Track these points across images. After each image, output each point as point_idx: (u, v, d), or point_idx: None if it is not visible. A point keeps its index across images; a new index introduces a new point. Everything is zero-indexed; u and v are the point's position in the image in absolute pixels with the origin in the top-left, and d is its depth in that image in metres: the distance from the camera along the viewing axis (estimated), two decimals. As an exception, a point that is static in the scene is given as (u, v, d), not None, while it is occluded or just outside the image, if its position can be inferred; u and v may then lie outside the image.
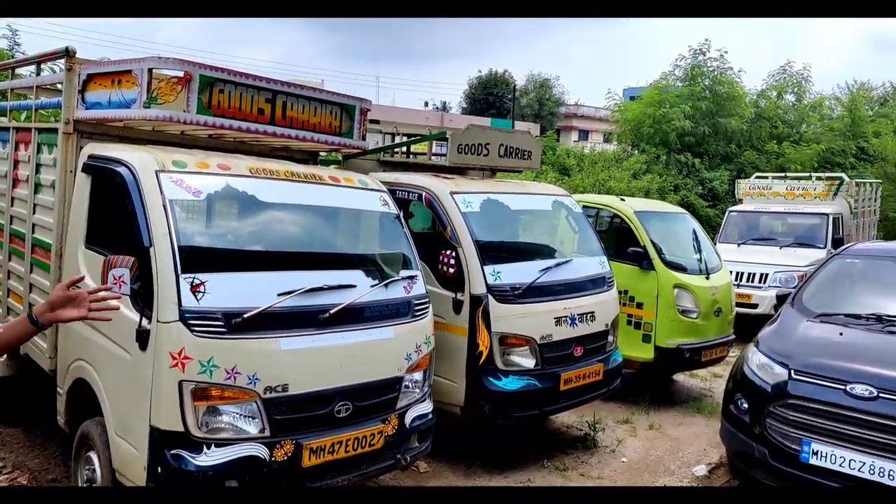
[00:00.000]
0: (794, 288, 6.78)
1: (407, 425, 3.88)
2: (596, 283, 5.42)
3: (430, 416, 4.11)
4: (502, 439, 5.40)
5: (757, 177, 13.28)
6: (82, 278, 2.24)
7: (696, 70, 19.25)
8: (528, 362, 4.81)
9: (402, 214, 4.45)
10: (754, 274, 9.81)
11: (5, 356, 2.51)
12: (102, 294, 2.16)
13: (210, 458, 3.10)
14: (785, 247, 10.46)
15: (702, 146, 18.65)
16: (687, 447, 5.71)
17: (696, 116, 18.20)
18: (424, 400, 4.11)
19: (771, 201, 11.91)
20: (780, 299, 5.80)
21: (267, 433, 3.25)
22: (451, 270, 4.79)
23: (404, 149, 6.23)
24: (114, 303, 2.14)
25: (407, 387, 3.93)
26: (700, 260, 6.89)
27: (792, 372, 4.37)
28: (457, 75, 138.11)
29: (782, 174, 13.56)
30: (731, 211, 11.87)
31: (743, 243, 10.72)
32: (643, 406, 6.47)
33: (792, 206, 11.46)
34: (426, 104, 46.97)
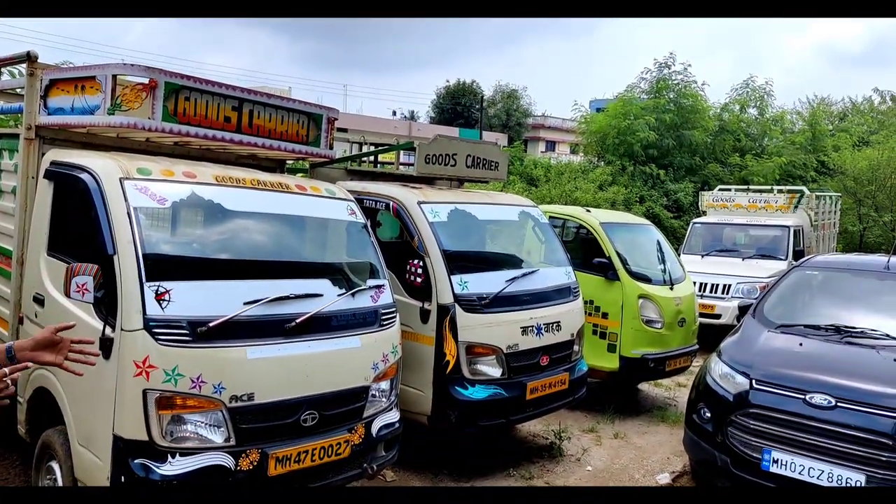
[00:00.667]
0: (755, 299, 6.95)
1: (374, 434, 3.89)
2: (562, 293, 5.50)
3: (397, 425, 4.12)
4: (468, 448, 5.43)
5: (720, 189, 13.61)
6: (73, 326, 2.23)
7: (662, 83, 19.66)
8: (495, 371, 4.86)
9: (369, 224, 4.47)
10: (717, 285, 10.02)
11: None
12: (81, 347, 2.16)
13: (175, 467, 3.08)
14: (747, 258, 10.73)
15: (666, 158, 19.02)
16: (651, 455, 5.81)
17: (661, 129, 18.57)
18: (391, 409, 4.12)
19: (734, 213, 12.21)
20: (743, 310, 5.96)
21: (232, 442, 3.24)
22: (419, 280, 4.82)
23: (372, 158, 6.26)
24: (91, 359, 2.15)
25: (374, 396, 3.95)
26: (664, 271, 7.03)
27: (753, 381, 4.45)
28: (424, 85, 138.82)
29: (745, 187, 13.91)
30: (695, 222, 12.12)
31: (707, 254, 10.96)
32: (608, 415, 6.57)
33: (754, 219, 11.75)
34: (394, 113, 46.99)
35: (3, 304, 4.16)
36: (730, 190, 13.18)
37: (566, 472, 5.29)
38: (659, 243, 7.37)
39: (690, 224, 12.30)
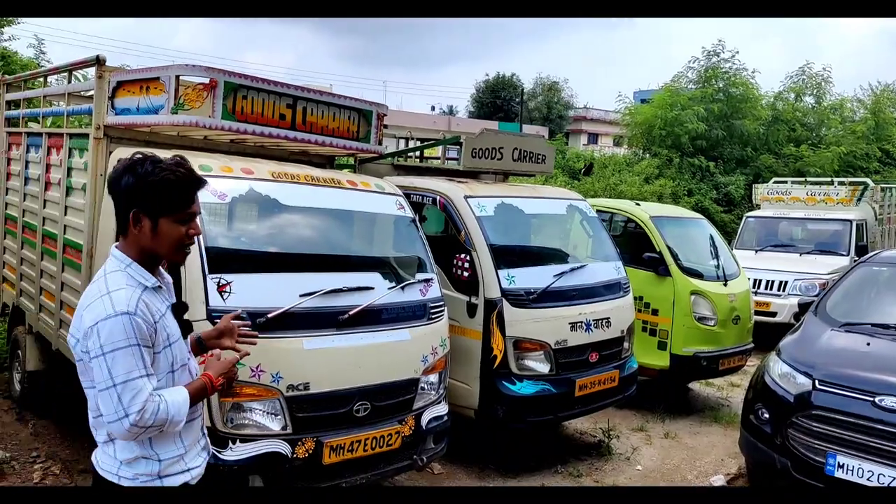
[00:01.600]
0: (816, 296, 6.73)
1: (423, 426, 3.95)
2: (611, 289, 5.45)
3: (446, 418, 4.17)
4: (515, 444, 5.44)
5: (775, 181, 13.20)
6: (244, 315, 2.53)
7: (710, 71, 19.08)
8: (543, 367, 4.86)
9: (417, 218, 4.53)
10: (773, 281, 9.73)
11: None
12: (246, 330, 2.39)
13: (235, 453, 3.20)
14: (805, 254, 10.38)
15: (716, 149, 18.49)
16: (704, 456, 5.69)
17: (710, 119, 18.05)
18: (440, 402, 4.17)
19: (790, 207, 11.81)
20: (803, 308, 5.74)
21: (289, 430, 3.34)
22: (466, 274, 4.85)
23: (417, 153, 6.32)
24: (254, 340, 2.41)
25: (423, 388, 4.00)
26: (717, 266, 6.87)
27: (816, 382, 4.28)
28: (463, 79, 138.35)
29: (802, 179, 13.44)
30: (748, 216, 11.80)
31: (761, 250, 10.65)
32: (658, 414, 6.47)
33: (813, 212, 11.34)
34: (433, 108, 47.12)
35: (74, 294, 4.37)
36: (786, 182, 12.77)
37: (615, 470, 5.25)
38: (712, 237, 7.21)
39: (743, 218, 11.97)
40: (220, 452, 3.19)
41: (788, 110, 20.27)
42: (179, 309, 2.13)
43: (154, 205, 1.96)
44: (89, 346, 1.90)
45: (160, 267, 2.09)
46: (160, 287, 2.05)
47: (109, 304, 1.89)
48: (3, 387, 5.90)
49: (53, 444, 4.89)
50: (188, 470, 2.07)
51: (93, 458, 2.10)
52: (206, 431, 2.26)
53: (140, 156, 2.02)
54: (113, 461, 2.02)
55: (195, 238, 2.07)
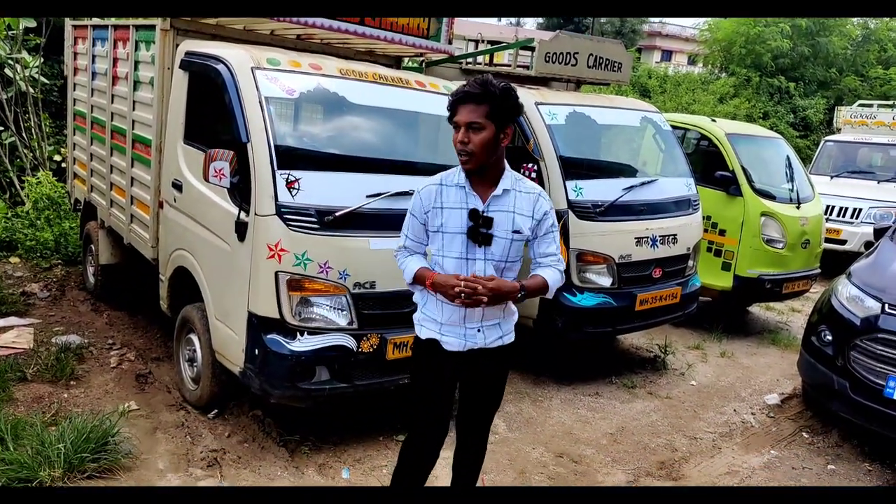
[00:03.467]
0: (892, 224, 6.41)
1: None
2: (680, 206, 5.27)
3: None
4: (571, 355, 5.47)
5: (860, 104, 12.30)
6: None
7: (800, -20, 17.58)
8: (605, 281, 4.80)
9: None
10: (846, 209, 9.29)
11: None
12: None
13: (303, 344, 3.29)
14: (884, 181, 9.79)
15: (798, 70, 17.30)
16: (759, 376, 5.65)
17: (794, 36, 16.79)
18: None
19: (873, 132, 11.04)
20: (878, 233, 5.49)
21: (355, 325, 3.41)
22: (533, 184, 4.74)
23: (486, 58, 6.07)
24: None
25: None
26: (791, 188, 6.57)
27: (886, 306, 4.25)
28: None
29: (890, 103, 12.51)
30: (826, 140, 11.12)
31: (837, 176, 10.10)
32: (715, 334, 6.40)
33: None
34: (499, 19, 45.13)
35: (144, 189, 4.47)
36: (872, 106, 11.88)
37: (669, 384, 5.25)
38: (788, 159, 6.85)
39: (822, 142, 11.30)
40: (289, 343, 3.29)
41: (882, 29, 18.65)
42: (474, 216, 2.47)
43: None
44: None
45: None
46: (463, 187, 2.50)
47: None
48: (78, 279, 6.21)
49: (127, 333, 5.15)
50: (441, 333, 2.55)
51: None
52: (477, 326, 2.54)
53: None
54: None
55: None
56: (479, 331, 2.54)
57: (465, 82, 2.50)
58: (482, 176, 2.49)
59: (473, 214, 2.46)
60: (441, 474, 3.52)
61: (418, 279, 2.54)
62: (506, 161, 2.54)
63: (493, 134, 2.40)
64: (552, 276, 2.56)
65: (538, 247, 2.59)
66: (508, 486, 3.38)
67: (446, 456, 3.69)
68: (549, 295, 2.60)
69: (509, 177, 2.52)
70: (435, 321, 2.55)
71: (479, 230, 2.45)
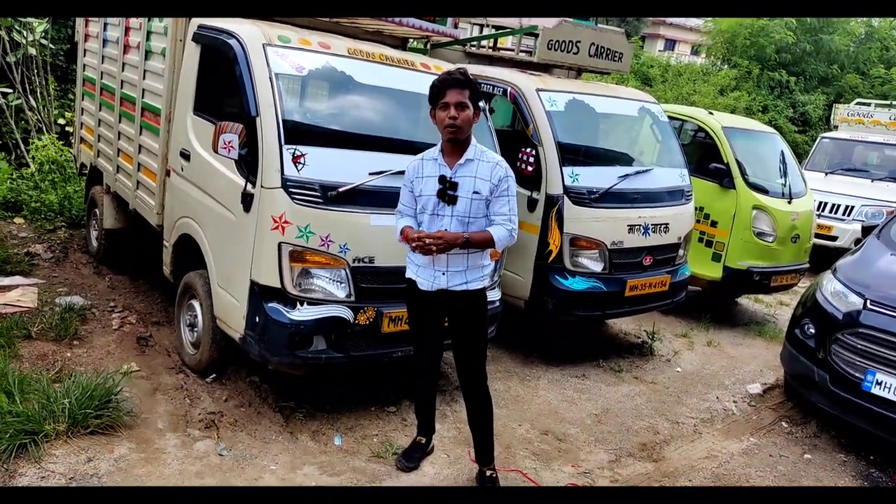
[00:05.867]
0: (882, 223, 6.56)
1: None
2: (673, 196, 5.39)
3: (498, 304, 4.32)
4: (560, 337, 5.62)
5: (858, 102, 12.40)
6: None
7: (806, -24, 17.54)
8: (597, 266, 4.93)
9: (487, 108, 4.49)
10: (838, 205, 9.42)
11: None
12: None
13: (303, 313, 3.42)
14: (877, 180, 9.93)
15: (799, 65, 17.32)
16: (743, 366, 5.80)
17: (798, 31, 16.81)
18: (493, 288, 4.30)
19: (870, 130, 11.15)
20: (866, 231, 5.65)
21: (353, 298, 3.54)
22: (530, 168, 4.86)
23: (490, 42, 6.14)
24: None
25: (479, 274, 4.14)
26: (784, 183, 6.68)
27: (868, 302, 4.36)
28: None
29: (887, 102, 12.60)
30: (823, 137, 11.23)
31: (831, 172, 10.22)
32: (703, 323, 6.54)
33: (893, 138, 10.72)
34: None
35: (151, 157, 4.57)
36: (869, 105, 11.98)
37: (655, 370, 5.41)
38: (783, 154, 6.96)
39: (818, 138, 11.41)
40: (289, 312, 3.41)
41: (885, 27, 18.67)
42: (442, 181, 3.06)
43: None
44: None
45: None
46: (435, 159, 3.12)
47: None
48: (81, 242, 6.32)
49: (129, 296, 5.27)
50: (416, 275, 3.19)
51: None
52: (442, 270, 3.12)
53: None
54: None
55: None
56: (443, 274, 3.11)
57: (444, 73, 3.09)
58: (455, 148, 3.07)
59: (442, 179, 3.05)
60: (438, 460, 3.68)
61: (403, 234, 3.15)
62: (473, 137, 3.10)
63: (472, 112, 3.02)
64: (498, 232, 3.06)
65: (492, 206, 3.09)
66: (508, 486, 3.52)
67: (446, 435, 3.88)
68: (498, 248, 3.10)
69: (473, 149, 3.09)
70: (414, 263, 3.19)
71: (447, 192, 3.04)
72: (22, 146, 7.82)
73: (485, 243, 3.06)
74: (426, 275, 3.14)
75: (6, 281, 5.12)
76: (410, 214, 3.19)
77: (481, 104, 3.13)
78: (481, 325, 3.25)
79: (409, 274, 3.22)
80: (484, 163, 3.07)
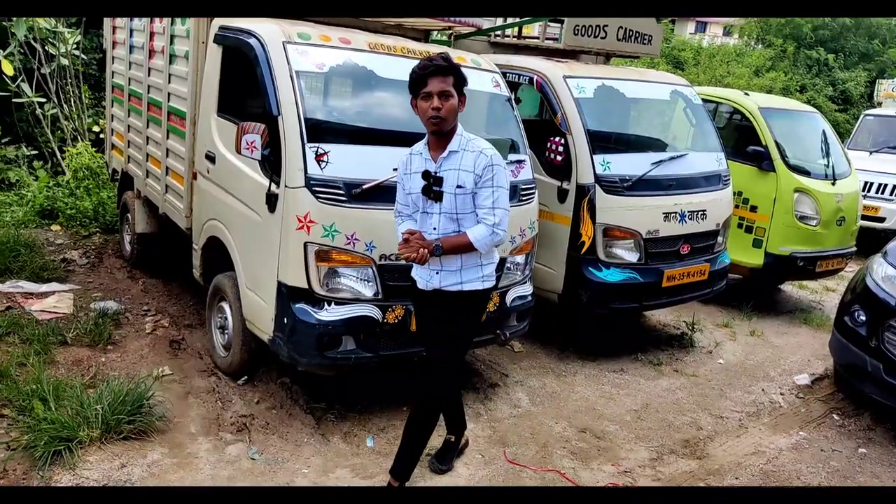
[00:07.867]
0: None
1: (507, 304, 4.01)
2: (710, 181, 5.21)
3: (530, 298, 4.22)
4: (596, 331, 5.48)
5: (903, 78, 11.92)
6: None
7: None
8: (632, 256, 4.78)
9: (513, 97, 4.37)
10: (885, 185, 9.05)
11: None
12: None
13: (330, 313, 3.37)
14: (927, 157, 9.50)
15: (838, 41, 16.71)
16: (789, 356, 5.59)
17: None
18: (525, 283, 4.21)
19: None
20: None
21: (380, 297, 3.48)
22: (559, 158, 4.73)
23: (514, 30, 6.01)
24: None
25: (509, 268, 4.03)
26: (827, 164, 6.42)
27: None
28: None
29: (935, 76, 12.07)
30: (866, 114, 10.79)
31: (876, 151, 9.80)
32: (745, 312, 6.33)
33: None
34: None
35: (178, 161, 4.57)
36: (916, 79, 11.50)
37: (696, 362, 5.24)
38: (824, 133, 6.68)
39: (861, 116, 10.97)
40: (316, 312, 3.36)
41: (930, -4, 17.87)
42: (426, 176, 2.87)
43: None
44: None
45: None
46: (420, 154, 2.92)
47: None
48: (115, 247, 6.40)
49: (162, 300, 5.31)
50: (416, 274, 3.06)
51: None
52: (436, 269, 2.94)
53: None
54: None
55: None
56: (437, 273, 2.94)
57: (425, 59, 2.82)
58: (439, 140, 2.84)
59: (426, 175, 2.86)
60: (473, 461, 3.60)
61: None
62: (460, 125, 2.86)
63: (457, 101, 2.78)
64: (475, 232, 2.84)
65: (476, 199, 2.85)
66: (546, 486, 3.43)
67: (481, 434, 3.79)
68: (481, 250, 2.87)
69: (458, 139, 2.85)
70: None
71: (432, 188, 2.84)
72: (58, 154, 7.98)
73: (460, 248, 2.84)
74: (422, 275, 3.01)
75: (43, 288, 5.20)
76: (408, 214, 3.03)
77: (466, 88, 2.86)
78: (466, 326, 3.05)
79: (412, 273, 3.09)
80: (469, 153, 2.82)
